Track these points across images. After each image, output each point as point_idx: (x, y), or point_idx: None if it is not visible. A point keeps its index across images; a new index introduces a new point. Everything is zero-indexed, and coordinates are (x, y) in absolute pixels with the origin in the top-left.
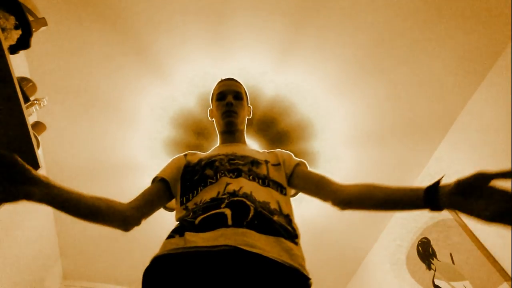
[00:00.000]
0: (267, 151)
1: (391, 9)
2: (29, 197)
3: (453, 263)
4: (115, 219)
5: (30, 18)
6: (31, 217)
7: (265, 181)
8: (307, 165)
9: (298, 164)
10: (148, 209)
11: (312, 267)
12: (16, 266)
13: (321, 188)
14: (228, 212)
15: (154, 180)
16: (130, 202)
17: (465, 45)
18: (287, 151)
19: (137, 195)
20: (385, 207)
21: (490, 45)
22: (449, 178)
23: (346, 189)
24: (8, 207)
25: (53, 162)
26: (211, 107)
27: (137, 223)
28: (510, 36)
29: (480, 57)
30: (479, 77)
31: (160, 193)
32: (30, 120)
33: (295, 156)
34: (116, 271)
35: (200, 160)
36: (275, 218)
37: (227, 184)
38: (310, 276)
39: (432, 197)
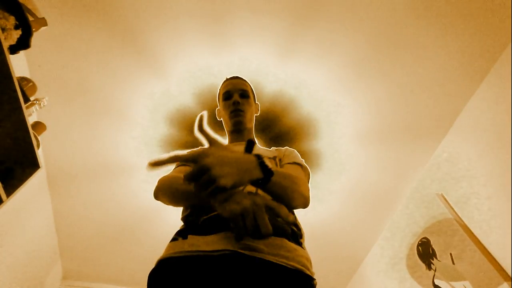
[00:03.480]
0: (275, 148)
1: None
2: None
3: (453, 263)
4: None
5: (30, 18)
6: (31, 217)
7: None
8: (307, 168)
9: (294, 163)
10: None
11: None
12: (16, 266)
13: None
14: None
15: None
16: None
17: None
18: (293, 149)
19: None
20: None
21: (490, 45)
22: (451, 176)
23: None
24: (8, 207)
25: (53, 162)
26: (218, 107)
27: None
28: (510, 36)
29: (481, 57)
30: (479, 77)
31: None
32: (30, 120)
33: (300, 155)
34: (116, 271)
35: None
36: (280, 218)
37: None
38: (315, 276)
39: None
